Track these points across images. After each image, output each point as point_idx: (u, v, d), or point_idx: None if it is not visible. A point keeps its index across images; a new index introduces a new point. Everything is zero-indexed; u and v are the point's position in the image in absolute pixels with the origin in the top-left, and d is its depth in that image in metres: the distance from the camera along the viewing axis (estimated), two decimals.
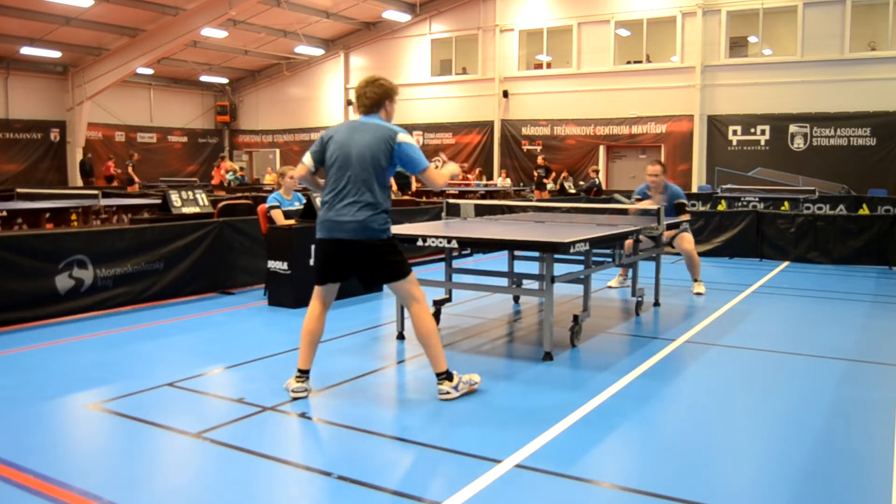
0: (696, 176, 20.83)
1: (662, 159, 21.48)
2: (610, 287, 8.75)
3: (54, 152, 24.80)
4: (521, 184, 22.44)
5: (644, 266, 7.73)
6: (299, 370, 4.54)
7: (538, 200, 16.68)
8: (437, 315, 6.49)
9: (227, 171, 20.46)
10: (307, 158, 4.49)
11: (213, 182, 17.85)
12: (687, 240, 8.36)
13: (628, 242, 7.15)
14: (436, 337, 4.44)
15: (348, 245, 4.30)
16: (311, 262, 7.33)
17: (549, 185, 20.11)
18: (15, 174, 23.55)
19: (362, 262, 4.39)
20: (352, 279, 4.68)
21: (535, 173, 20.83)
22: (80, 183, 23.85)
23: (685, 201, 8.40)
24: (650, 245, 7.37)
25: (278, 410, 4.28)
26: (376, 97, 4.46)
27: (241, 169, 27.59)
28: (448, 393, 4.42)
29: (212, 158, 29.10)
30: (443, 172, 4.56)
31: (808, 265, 10.69)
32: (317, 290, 4.53)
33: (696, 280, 8.46)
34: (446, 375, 4.45)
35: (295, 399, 4.47)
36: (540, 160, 21.97)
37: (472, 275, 7.14)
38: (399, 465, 3.60)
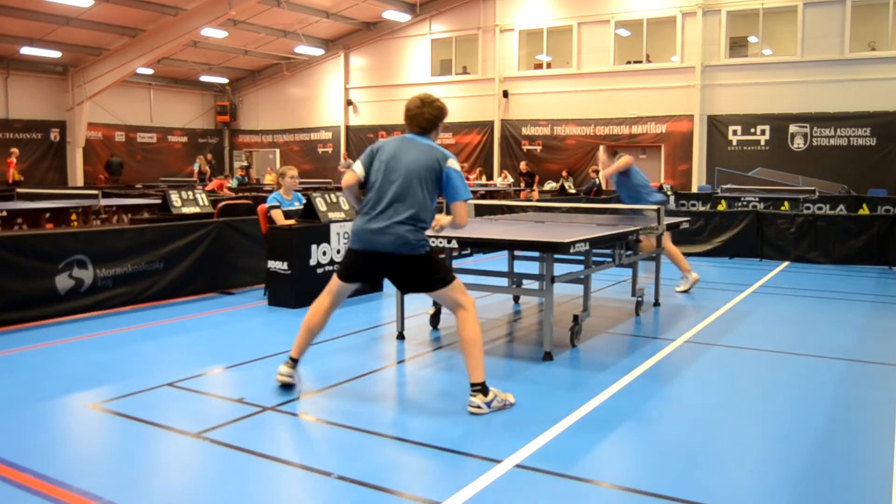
0: (696, 176, 20.83)
1: (662, 159, 21.51)
2: (678, 292, 8.37)
3: (54, 152, 24.78)
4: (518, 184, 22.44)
5: (644, 266, 7.73)
6: (291, 358, 4.58)
7: (527, 199, 16.76)
8: (437, 315, 6.49)
9: (226, 185, 20.31)
10: (358, 167, 4.42)
11: (207, 188, 17.82)
12: (667, 240, 8.27)
13: (646, 245, 7.13)
14: (478, 346, 4.27)
15: (385, 258, 4.27)
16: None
17: (535, 193, 20.18)
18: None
19: (400, 275, 4.38)
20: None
21: (523, 180, 20.91)
22: (80, 182, 23.88)
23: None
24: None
25: (278, 410, 4.28)
26: (433, 118, 4.45)
27: (242, 168, 27.58)
28: (479, 407, 4.19)
29: (212, 159, 29.11)
30: (466, 215, 4.49)
31: (808, 265, 10.69)
32: (334, 283, 4.50)
33: (687, 270, 8.32)
34: (481, 388, 4.23)
35: (280, 383, 4.53)
36: (523, 166, 21.96)
37: (472, 275, 7.13)
38: (399, 465, 3.60)
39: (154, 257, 7.35)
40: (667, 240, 8.13)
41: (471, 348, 4.26)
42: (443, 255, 6.88)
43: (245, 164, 27.96)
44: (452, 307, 4.36)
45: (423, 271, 4.31)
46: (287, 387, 4.60)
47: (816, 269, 10.40)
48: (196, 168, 24.01)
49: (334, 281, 4.52)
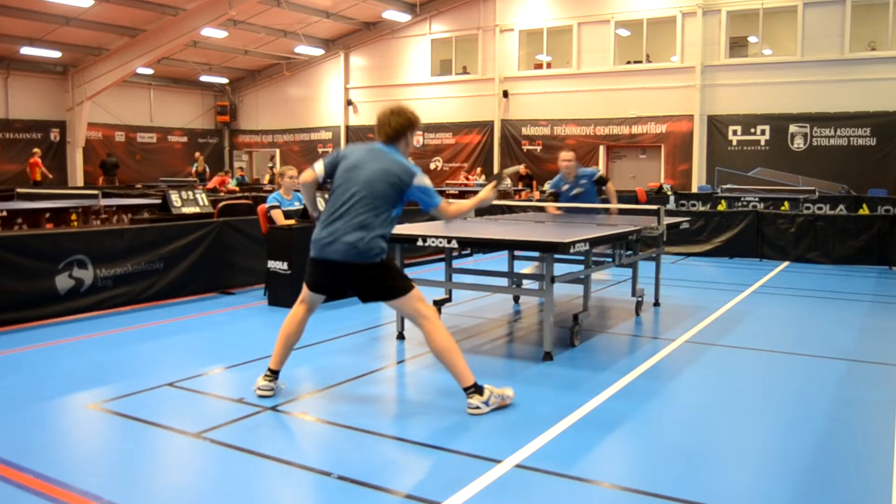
0: (696, 176, 20.83)
1: (662, 159, 21.52)
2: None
3: (54, 152, 24.78)
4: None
5: (644, 266, 7.73)
6: (270, 369, 4.50)
7: (527, 200, 16.78)
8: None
9: (227, 182, 20.37)
10: (319, 166, 4.39)
11: (208, 187, 17.83)
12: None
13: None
14: (453, 352, 4.19)
15: (338, 267, 4.21)
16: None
17: (536, 193, 20.21)
18: (15, 174, 23.53)
19: (356, 284, 4.29)
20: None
21: (521, 184, 20.93)
22: (80, 182, 23.87)
23: (603, 173, 8.39)
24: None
25: (278, 410, 4.28)
26: (400, 128, 4.34)
27: (241, 169, 27.60)
28: (478, 408, 4.16)
29: (212, 158, 29.10)
30: (453, 208, 4.45)
31: (808, 265, 10.69)
32: (305, 292, 4.45)
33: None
34: (475, 389, 4.18)
35: (260, 396, 4.44)
36: (522, 170, 21.96)
37: (472, 275, 7.14)
38: (399, 465, 3.60)
39: (154, 257, 7.35)
40: None
41: (447, 356, 4.19)
42: (443, 255, 6.88)
43: (270, 164, 27.70)
44: (413, 317, 4.26)
45: (377, 280, 4.22)
46: (264, 396, 4.49)
47: (816, 269, 10.40)
48: (194, 168, 24.19)
49: (304, 289, 4.46)
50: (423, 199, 4.30)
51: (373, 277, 4.22)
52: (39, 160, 21.57)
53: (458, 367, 4.19)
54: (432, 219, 10.52)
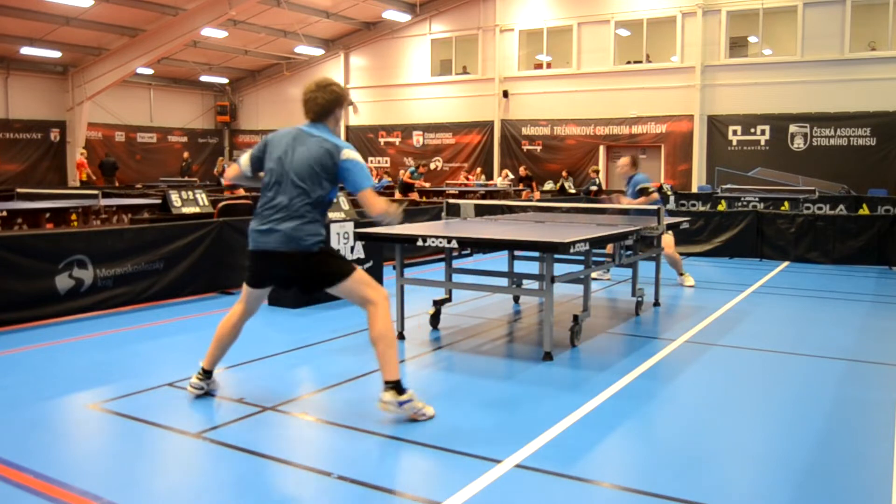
0: (696, 176, 20.83)
1: (662, 159, 21.52)
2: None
3: (54, 152, 24.78)
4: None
5: (644, 266, 7.73)
6: (203, 369, 4.45)
7: (527, 200, 16.79)
8: (437, 315, 6.49)
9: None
10: (243, 158, 4.26)
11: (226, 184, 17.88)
12: (665, 243, 8.44)
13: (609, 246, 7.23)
14: (387, 342, 4.01)
15: (276, 257, 4.06)
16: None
17: (536, 193, 20.22)
18: (15, 174, 23.53)
19: (295, 275, 4.15)
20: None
21: (521, 185, 20.94)
22: (80, 183, 23.86)
23: (647, 185, 8.61)
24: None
25: (278, 410, 4.28)
26: (326, 104, 4.11)
27: None
28: (387, 403, 3.99)
29: (212, 159, 29.09)
30: (381, 201, 4.07)
31: (808, 265, 10.68)
32: (245, 290, 4.31)
33: (681, 274, 8.78)
34: (394, 385, 3.99)
35: (191, 394, 4.44)
36: (522, 171, 21.97)
37: (472, 275, 7.14)
38: (399, 465, 3.60)
39: (154, 257, 7.35)
40: (670, 246, 8.43)
41: (378, 345, 4.01)
42: (443, 256, 6.88)
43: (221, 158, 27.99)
44: (359, 303, 4.10)
45: (317, 267, 4.06)
46: (200, 396, 4.47)
47: (816, 269, 10.40)
48: (217, 169, 24.66)
49: (244, 288, 4.32)
50: (352, 178, 3.99)
51: (312, 265, 4.06)
52: (85, 161, 22.29)
53: (387, 357, 4.00)
54: (433, 219, 10.54)
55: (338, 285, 4.08)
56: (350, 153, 4.04)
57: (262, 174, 4.23)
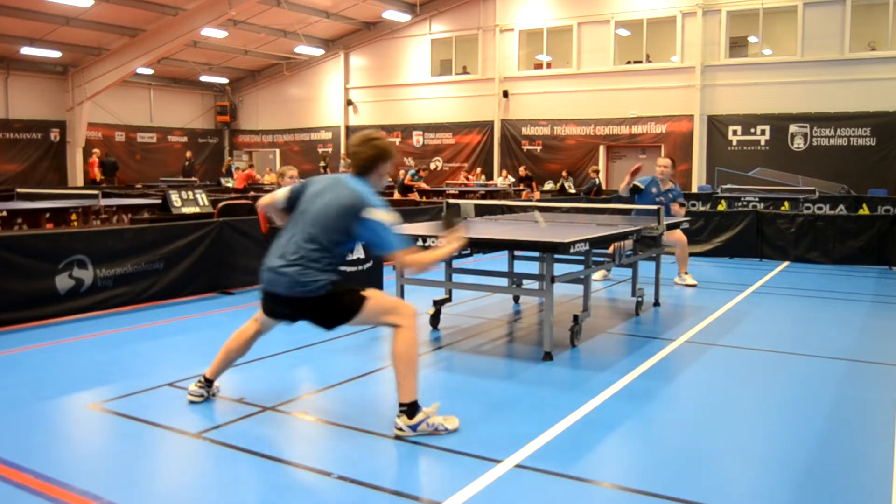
0: (696, 176, 20.82)
1: None
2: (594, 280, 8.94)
3: (54, 152, 24.78)
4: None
5: (644, 266, 7.73)
6: (204, 377, 4.38)
7: (527, 200, 16.79)
8: (437, 315, 6.49)
9: (254, 176, 20.21)
10: (282, 193, 4.17)
11: (238, 186, 17.80)
12: (681, 235, 8.64)
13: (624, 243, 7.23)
14: (403, 361, 3.84)
15: (285, 300, 3.93)
16: None
17: (536, 193, 20.21)
18: (15, 174, 23.54)
19: (308, 317, 3.99)
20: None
21: (521, 185, 20.95)
22: (80, 182, 23.87)
23: (683, 202, 8.75)
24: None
25: (278, 410, 4.28)
26: (367, 160, 3.98)
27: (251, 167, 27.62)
28: (401, 430, 3.85)
29: (212, 158, 29.10)
30: (420, 257, 3.92)
31: (808, 265, 10.68)
32: (260, 313, 4.23)
33: (685, 273, 8.83)
34: (407, 409, 3.85)
35: (190, 401, 4.33)
36: (522, 171, 21.96)
37: (472, 275, 7.14)
38: (399, 465, 3.60)
39: (154, 257, 7.35)
40: (684, 237, 8.56)
41: (395, 364, 3.85)
42: None
43: (323, 163, 27.07)
44: (381, 323, 3.97)
45: (324, 309, 3.91)
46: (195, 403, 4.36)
47: (816, 269, 10.40)
48: (232, 169, 24.54)
49: (260, 311, 4.23)
50: (380, 237, 3.80)
51: (321, 310, 3.92)
52: (98, 160, 22.93)
53: (403, 378, 3.85)
54: (433, 219, 10.54)
55: (353, 320, 3.94)
56: (375, 213, 3.80)
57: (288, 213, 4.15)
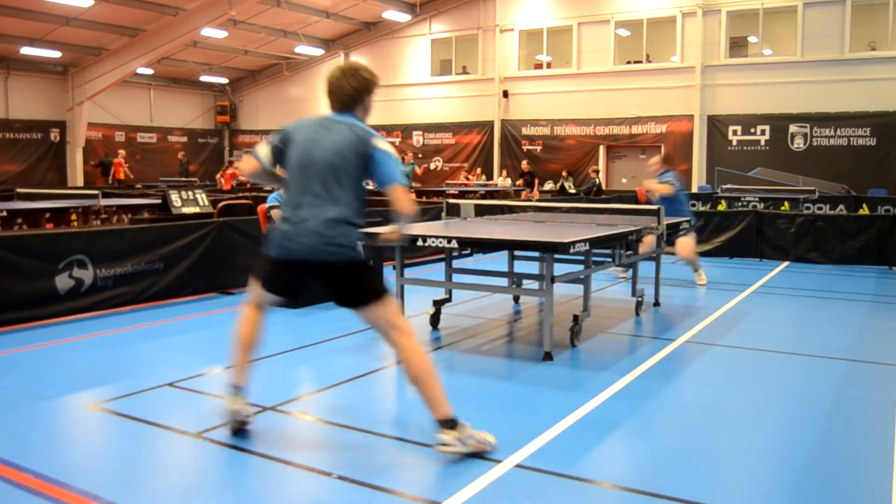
0: (696, 176, 20.81)
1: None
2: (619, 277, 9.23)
3: (54, 152, 24.78)
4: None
5: (644, 266, 7.73)
6: (235, 387, 3.78)
7: (527, 200, 16.78)
8: (437, 315, 6.49)
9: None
10: (264, 152, 3.72)
11: (225, 188, 17.82)
12: (684, 245, 8.69)
13: (648, 239, 7.32)
14: (432, 377, 3.57)
15: (308, 266, 3.58)
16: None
17: (536, 193, 20.19)
18: (15, 174, 23.53)
19: (329, 285, 3.65)
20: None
21: (522, 180, 20.92)
22: (80, 182, 23.87)
23: (672, 180, 8.89)
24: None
25: (278, 410, 4.28)
26: (355, 92, 3.68)
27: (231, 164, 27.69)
28: (450, 446, 3.49)
29: (212, 158, 29.10)
30: (411, 200, 3.66)
31: (808, 265, 10.68)
32: (258, 292, 3.82)
33: (696, 270, 9.02)
34: (449, 423, 3.52)
35: (233, 429, 3.82)
36: (524, 165, 21.94)
37: (472, 275, 7.14)
38: (399, 465, 3.60)
39: (154, 257, 7.35)
40: (688, 250, 8.75)
41: (425, 382, 3.56)
42: (443, 255, 6.88)
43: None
44: (385, 328, 3.60)
45: (352, 280, 3.59)
46: (241, 431, 3.83)
47: (816, 269, 10.40)
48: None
49: (257, 290, 3.82)
50: (384, 170, 3.56)
51: (344, 279, 3.60)
52: (123, 160, 23.08)
53: (435, 393, 3.56)
54: (433, 219, 10.54)
55: (367, 307, 3.59)
56: (382, 143, 3.61)
57: (278, 170, 3.77)
